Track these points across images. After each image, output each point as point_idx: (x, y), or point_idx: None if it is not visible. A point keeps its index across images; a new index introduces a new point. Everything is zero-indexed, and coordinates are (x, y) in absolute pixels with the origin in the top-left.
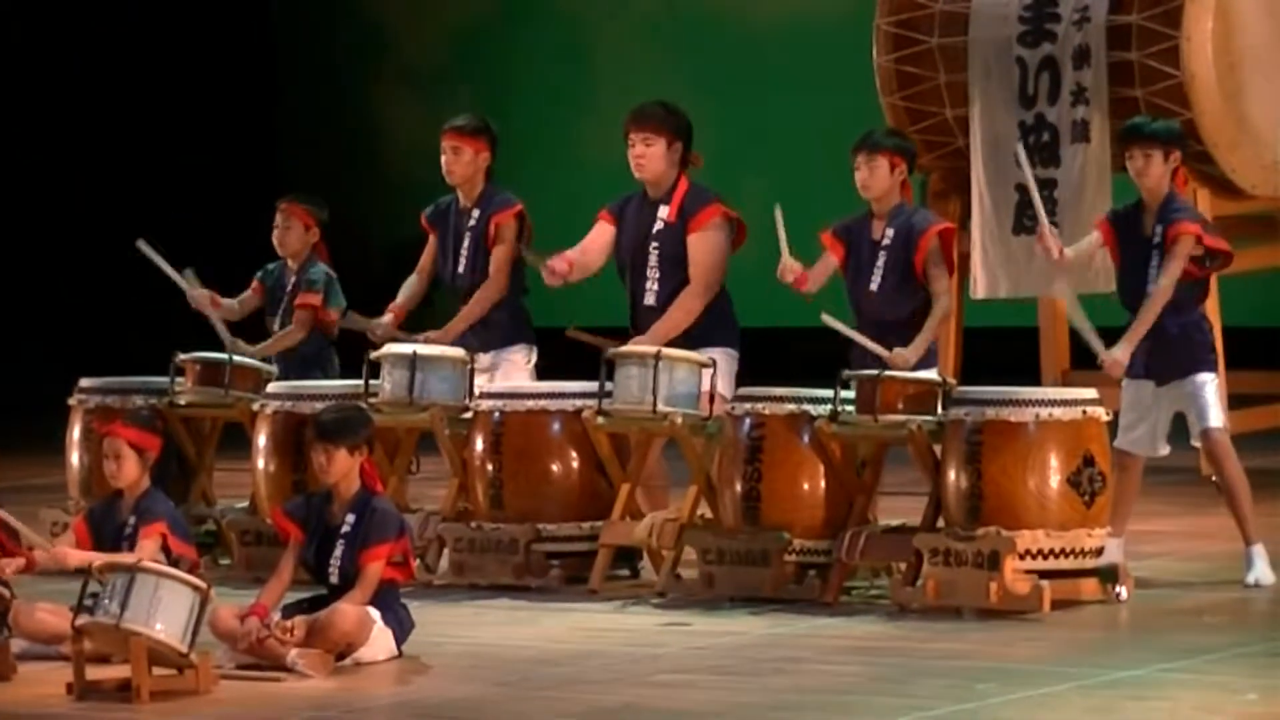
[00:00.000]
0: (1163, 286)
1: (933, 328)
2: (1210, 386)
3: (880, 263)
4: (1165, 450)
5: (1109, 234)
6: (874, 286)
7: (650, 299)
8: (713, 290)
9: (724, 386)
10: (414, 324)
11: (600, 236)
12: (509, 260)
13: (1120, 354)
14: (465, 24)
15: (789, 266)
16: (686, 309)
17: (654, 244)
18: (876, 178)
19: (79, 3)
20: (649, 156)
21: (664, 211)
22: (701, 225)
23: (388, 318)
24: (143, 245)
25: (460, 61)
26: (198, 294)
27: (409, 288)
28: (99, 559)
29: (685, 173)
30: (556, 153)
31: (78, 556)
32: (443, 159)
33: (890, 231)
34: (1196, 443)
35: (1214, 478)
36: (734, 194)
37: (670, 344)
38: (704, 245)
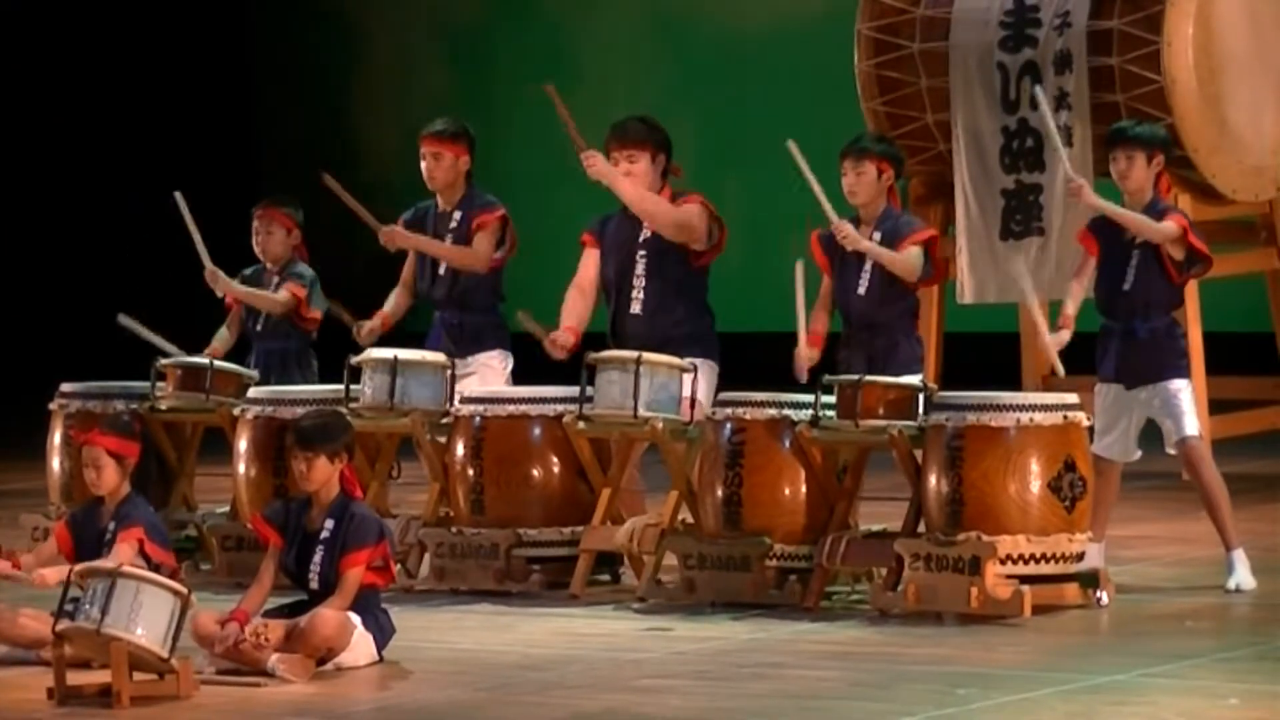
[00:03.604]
0: (1164, 226)
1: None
2: (1185, 394)
3: (867, 267)
4: (1137, 455)
5: (1091, 241)
6: (861, 290)
7: (636, 307)
8: (673, 216)
9: (704, 399)
10: (398, 330)
11: (590, 264)
12: (491, 249)
13: (1085, 189)
14: (446, 29)
15: (807, 357)
16: (663, 205)
17: (640, 253)
18: (863, 183)
19: (55, 7)
20: (635, 174)
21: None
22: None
23: (376, 321)
24: (124, 320)
25: (440, 66)
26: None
27: (394, 300)
28: (78, 570)
29: (667, 184)
30: (537, 158)
31: (54, 576)
32: (423, 165)
33: (877, 236)
34: (1172, 450)
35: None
36: (715, 198)
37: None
38: (689, 209)
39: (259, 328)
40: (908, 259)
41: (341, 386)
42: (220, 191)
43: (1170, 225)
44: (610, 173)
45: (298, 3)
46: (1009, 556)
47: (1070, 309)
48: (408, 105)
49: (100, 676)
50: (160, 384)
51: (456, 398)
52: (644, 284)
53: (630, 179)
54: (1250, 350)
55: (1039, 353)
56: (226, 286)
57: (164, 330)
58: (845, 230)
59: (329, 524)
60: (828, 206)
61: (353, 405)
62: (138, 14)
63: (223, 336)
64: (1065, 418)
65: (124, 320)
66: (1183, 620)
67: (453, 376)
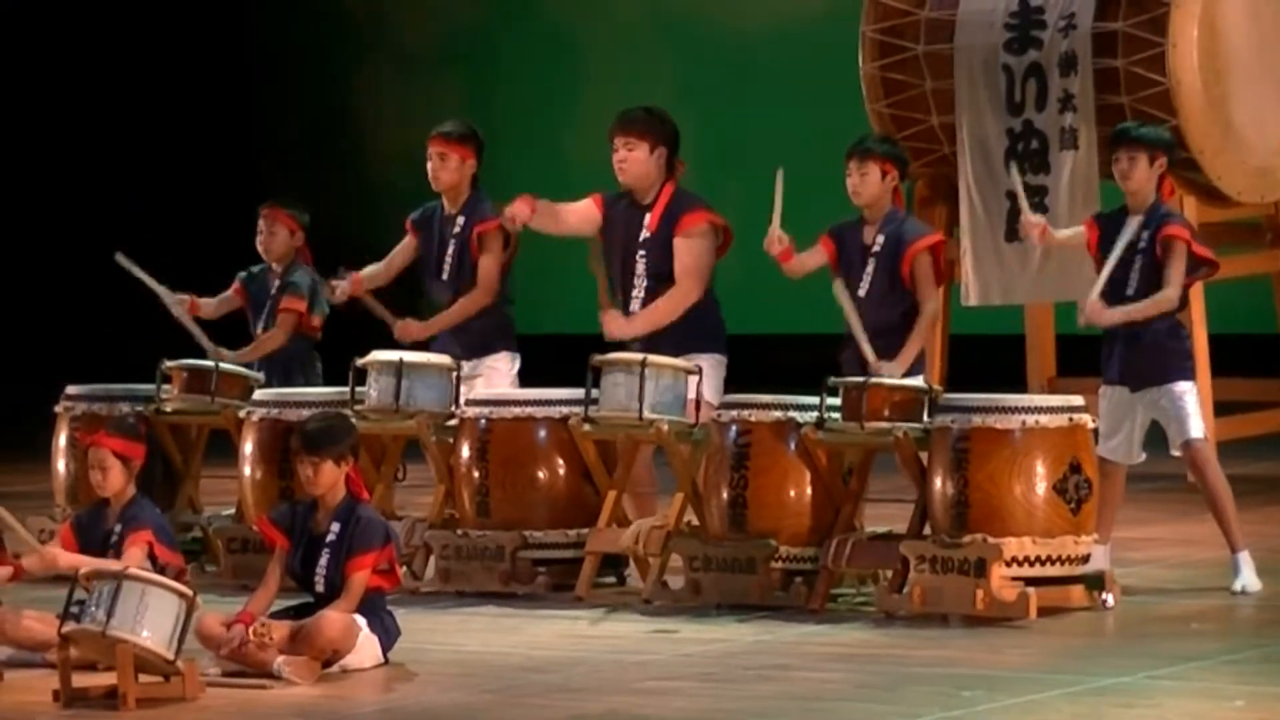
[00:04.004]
0: (1170, 296)
1: (919, 339)
2: (1190, 396)
3: (870, 268)
4: (1141, 458)
5: (1094, 236)
6: (863, 291)
7: (635, 306)
8: (696, 293)
9: (711, 393)
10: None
11: (584, 209)
12: (497, 270)
13: (1093, 303)
14: (451, 28)
15: (777, 237)
16: (670, 306)
17: (640, 253)
18: (867, 184)
19: (55, 6)
20: (630, 160)
21: (648, 219)
22: (686, 229)
23: (346, 279)
24: (121, 258)
25: (445, 66)
26: (176, 301)
27: (372, 269)
28: (89, 562)
29: (673, 178)
30: (542, 158)
31: (67, 559)
32: (429, 165)
33: (881, 238)
34: (1176, 453)
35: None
36: (718, 200)
37: (657, 345)
38: (688, 251)
39: (264, 329)
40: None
41: (346, 389)
42: (222, 193)
43: (1173, 293)
44: (623, 327)
45: (300, 3)
46: (1014, 559)
47: (1058, 236)
48: (411, 108)
49: (106, 679)
50: (165, 386)
51: (462, 400)
52: (645, 284)
53: (628, 321)
54: (1255, 352)
55: (1045, 355)
56: (231, 358)
57: (165, 329)
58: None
59: (335, 527)
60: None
61: (358, 407)
62: (139, 15)
63: (210, 303)
64: (1070, 420)
65: (121, 259)
66: (1188, 622)
67: (458, 378)
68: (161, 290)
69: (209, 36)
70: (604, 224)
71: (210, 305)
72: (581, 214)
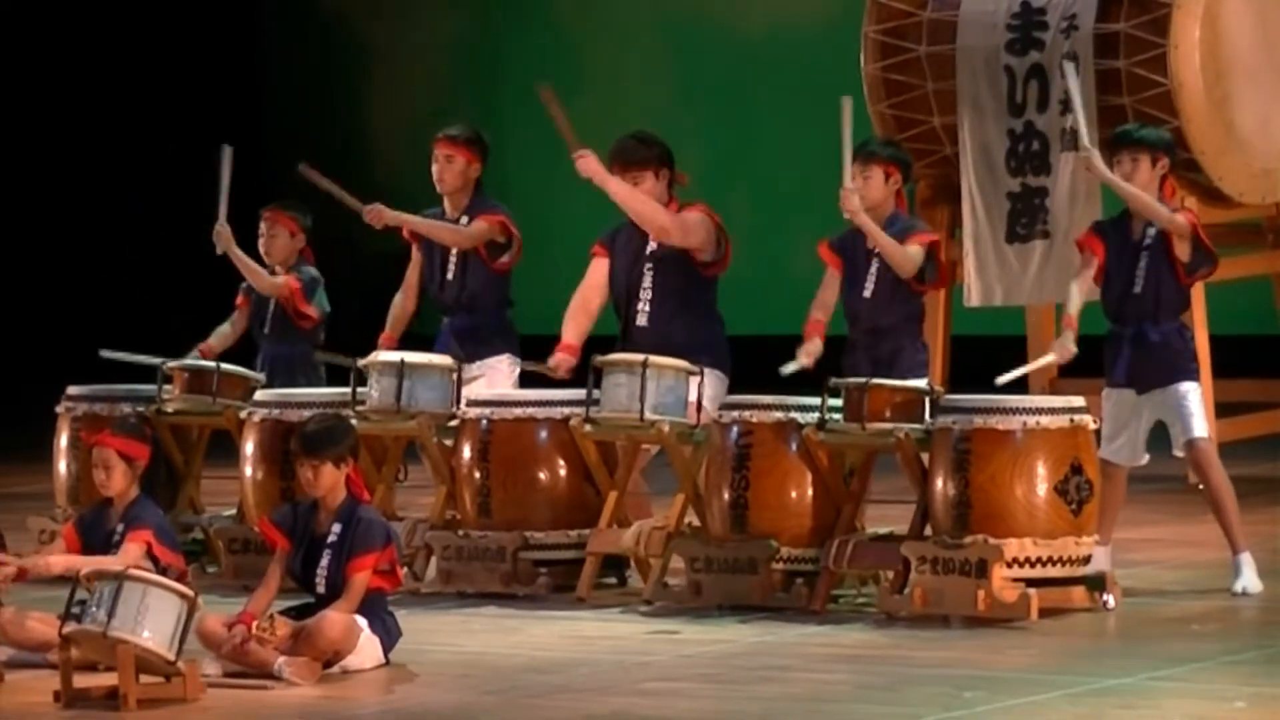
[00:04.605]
0: (1170, 215)
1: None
2: (1194, 396)
3: (873, 270)
4: (1144, 459)
5: (1097, 244)
6: (867, 294)
7: (643, 320)
8: (673, 229)
9: (710, 407)
10: (405, 333)
11: (598, 273)
12: (482, 233)
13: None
14: (454, 34)
15: (852, 196)
16: (649, 206)
17: (647, 265)
18: (871, 187)
19: (64, 8)
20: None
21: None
22: (687, 213)
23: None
24: (106, 354)
25: (449, 71)
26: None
27: (396, 308)
28: (83, 562)
29: (674, 195)
30: (544, 165)
31: (61, 564)
32: (434, 167)
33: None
34: (1179, 453)
35: (1201, 486)
36: (720, 203)
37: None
38: (687, 217)
39: (265, 330)
40: (906, 251)
41: (348, 389)
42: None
43: (1179, 217)
44: (600, 172)
45: (308, 11)
46: (1016, 559)
47: (1073, 309)
48: (416, 113)
49: (107, 679)
50: (167, 387)
51: (463, 400)
52: (650, 296)
53: (619, 179)
54: (1257, 353)
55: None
56: (229, 245)
57: (167, 330)
58: (852, 204)
59: (336, 528)
60: (848, 168)
61: (359, 408)
62: (149, 21)
63: (223, 333)
64: (1072, 421)
65: (106, 354)
66: (1190, 623)
67: (459, 379)
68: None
69: (217, 43)
70: (612, 261)
71: (225, 337)
72: (601, 276)
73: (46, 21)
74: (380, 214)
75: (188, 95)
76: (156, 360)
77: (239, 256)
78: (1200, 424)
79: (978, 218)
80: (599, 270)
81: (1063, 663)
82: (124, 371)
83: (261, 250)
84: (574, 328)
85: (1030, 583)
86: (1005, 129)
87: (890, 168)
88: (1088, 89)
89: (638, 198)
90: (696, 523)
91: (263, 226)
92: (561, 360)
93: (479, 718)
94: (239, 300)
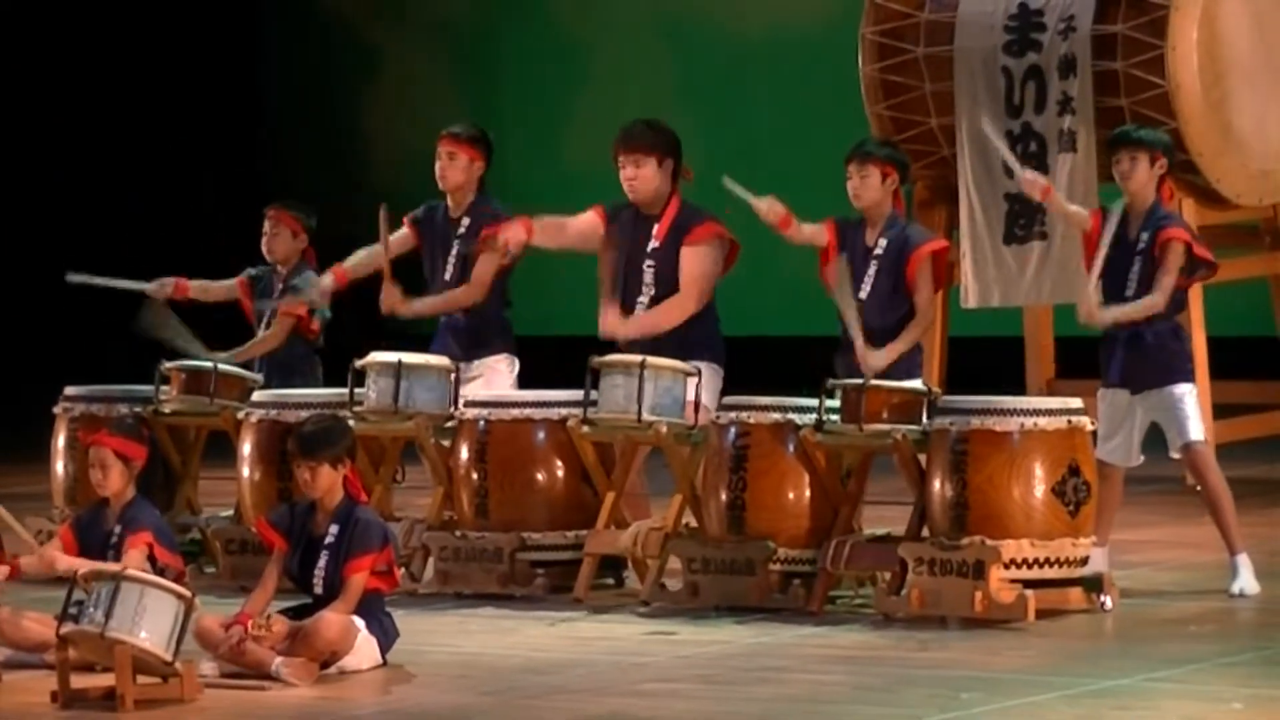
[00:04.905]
0: (1157, 301)
1: (909, 338)
2: (1189, 398)
3: (872, 271)
4: (1140, 460)
5: (1096, 229)
6: (864, 294)
7: (639, 314)
8: (700, 302)
9: (708, 402)
10: (404, 332)
11: (587, 223)
12: (492, 272)
13: (1097, 308)
14: (454, 32)
15: (773, 207)
16: (671, 312)
17: (648, 262)
18: (868, 187)
19: (63, 11)
20: (641, 178)
21: (656, 229)
22: (695, 240)
23: (328, 278)
24: (73, 277)
25: (449, 70)
26: (156, 287)
27: (360, 255)
28: (87, 565)
29: (677, 188)
30: (545, 163)
31: (65, 561)
32: (437, 164)
33: (884, 242)
34: (1175, 455)
35: (1198, 487)
36: (718, 203)
37: (655, 354)
38: (695, 258)
39: (265, 330)
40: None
41: (345, 390)
42: (230, 201)
43: (1161, 298)
44: (614, 329)
45: (308, 12)
46: (1013, 561)
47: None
48: (416, 113)
49: (104, 680)
50: (164, 387)
51: (460, 401)
52: (651, 293)
53: (625, 322)
54: (1254, 355)
55: (1043, 357)
56: (397, 306)
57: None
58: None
59: (333, 529)
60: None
61: (357, 409)
62: (149, 22)
63: (202, 285)
64: (1069, 422)
65: (74, 278)
66: (1187, 625)
67: (457, 380)
68: (133, 284)
69: (217, 42)
70: (607, 234)
71: (204, 287)
72: (584, 227)
73: (47, 22)
74: (395, 304)
75: (188, 96)
76: (132, 284)
77: (246, 351)
78: (1196, 427)
79: (975, 219)
80: (590, 220)
81: (1060, 664)
82: (123, 372)
83: (265, 249)
84: (543, 228)
85: (1027, 584)
86: (1003, 130)
87: (887, 168)
88: (1084, 91)
89: (656, 322)
90: (694, 524)
91: (266, 225)
92: (512, 235)
93: (476, 718)
94: (240, 281)
